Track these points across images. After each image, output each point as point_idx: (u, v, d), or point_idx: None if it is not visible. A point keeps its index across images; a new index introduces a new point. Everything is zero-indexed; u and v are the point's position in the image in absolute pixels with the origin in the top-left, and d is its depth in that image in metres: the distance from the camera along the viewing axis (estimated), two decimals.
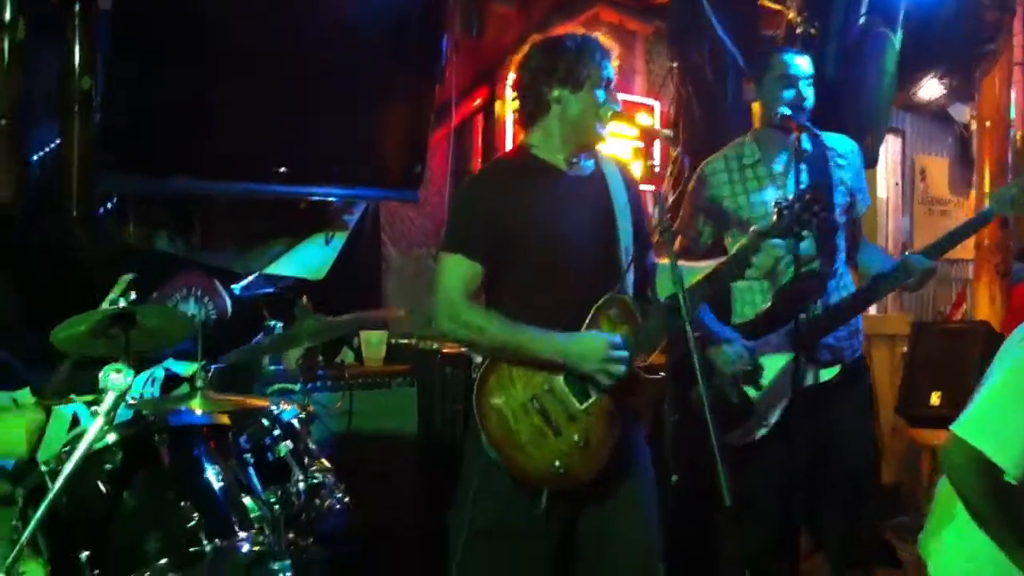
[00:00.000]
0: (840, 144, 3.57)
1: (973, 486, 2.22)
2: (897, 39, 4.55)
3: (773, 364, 3.42)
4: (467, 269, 2.73)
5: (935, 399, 4.83)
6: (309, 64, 3.97)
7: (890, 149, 7.97)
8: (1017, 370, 2.24)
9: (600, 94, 2.76)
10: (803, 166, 3.34)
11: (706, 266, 2.83)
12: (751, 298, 3.55)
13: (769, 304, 3.47)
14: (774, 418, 3.44)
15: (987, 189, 6.40)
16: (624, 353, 2.65)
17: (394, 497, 3.92)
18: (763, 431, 3.45)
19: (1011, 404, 2.21)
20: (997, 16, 5.98)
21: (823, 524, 3.59)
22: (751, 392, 3.43)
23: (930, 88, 6.57)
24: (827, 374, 3.44)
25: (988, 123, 6.48)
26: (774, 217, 2.79)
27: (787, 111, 3.37)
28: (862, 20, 4.50)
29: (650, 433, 2.99)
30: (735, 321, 3.56)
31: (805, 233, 2.90)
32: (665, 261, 2.90)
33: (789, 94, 3.42)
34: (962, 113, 8.31)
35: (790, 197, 2.80)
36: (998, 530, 2.21)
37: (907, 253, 3.44)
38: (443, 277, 2.74)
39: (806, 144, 3.42)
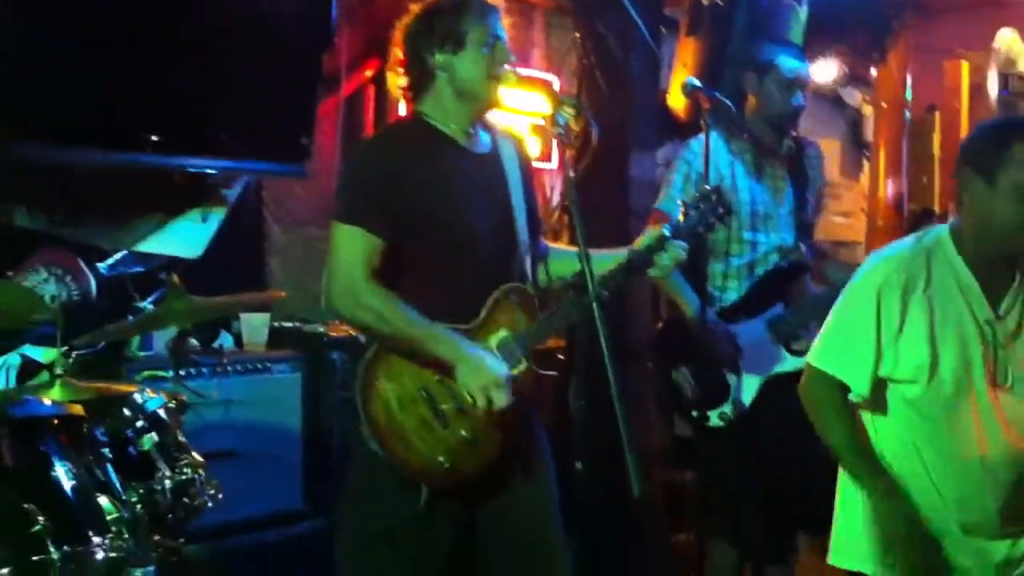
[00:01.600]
0: (810, 145, 3.85)
1: (827, 402, 2.52)
2: (803, 12, 4.48)
3: (750, 350, 3.49)
4: (368, 243, 2.52)
5: None
6: (186, 27, 3.70)
7: None
8: (849, 291, 2.50)
9: (487, 53, 2.60)
10: (787, 162, 3.68)
11: (605, 254, 2.70)
12: (731, 284, 3.62)
13: (748, 291, 3.58)
14: (748, 400, 3.53)
15: (882, 170, 6.47)
16: (505, 393, 2.50)
17: (277, 490, 3.76)
18: (737, 413, 3.53)
19: (844, 324, 2.49)
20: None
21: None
22: (730, 377, 3.53)
23: (825, 70, 6.57)
24: (801, 362, 3.50)
25: (884, 105, 6.55)
26: (680, 217, 2.70)
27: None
28: None
29: (555, 421, 2.88)
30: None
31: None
32: (559, 245, 2.93)
33: (797, 100, 3.63)
34: (854, 97, 8.42)
35: (696, 196, 2.75)
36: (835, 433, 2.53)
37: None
38: (340, 252, 2.52)
39: (789, 141, 3.71)
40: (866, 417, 2.57)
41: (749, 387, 3.54)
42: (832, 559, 2.62)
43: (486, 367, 2.50)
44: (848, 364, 2.47)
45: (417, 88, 2.68)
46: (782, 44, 3.90)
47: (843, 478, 2.64)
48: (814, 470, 3.61)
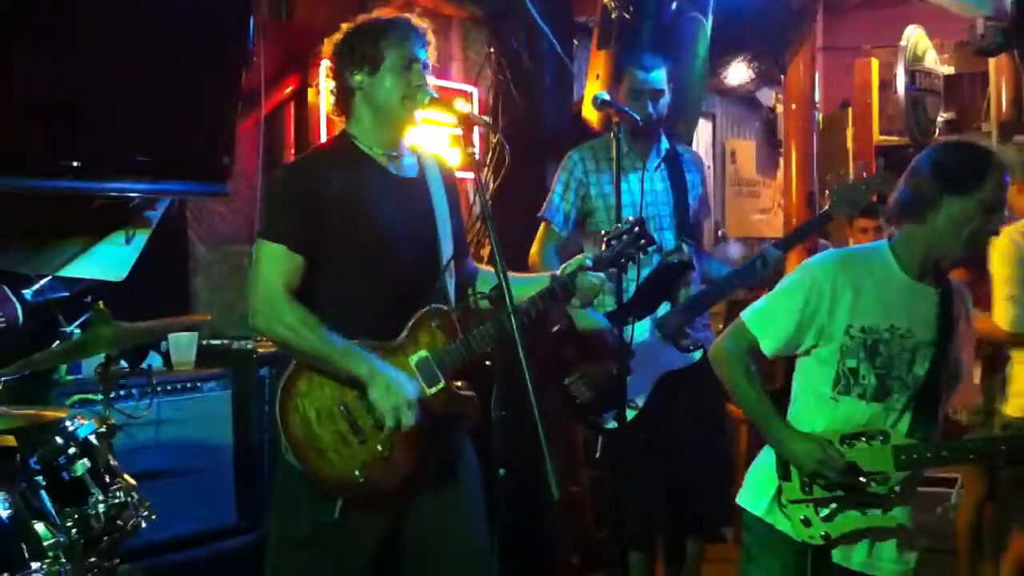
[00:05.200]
0: (687, 152, 4.02)
1: (738, 353, 2.76)
2: (708, 24, 4.62)
3: (640, 350, 3.54)
4: (289, 261, 2.59)
5: None
6: (102, 48, 3.68)
7: (701, 132, 8.17)
8: (795, 277, 2.75)
9: (402, 75, 2.67)
10: (664, 167, 3.83)
11: (528, 279, 2.83)
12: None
13: (635, 293, 3.63)
14: (641, 400, 3.63)
15: (794, 169, 6.66)
16: (414, 413, 2.58)
17: (210, 506, 3.78)
18: (632, 412, 3.59)
19: (782, 300, 2.73)
20: (803, 3, 6.21)
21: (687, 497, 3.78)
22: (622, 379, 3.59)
23: (738, 73, 6.74)
24: (691, 358, 3.70)
25: (794, 106, 6.73)
26: (602, 247, 2.82)
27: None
28: (674, 5, 4.55)
29: (479, 429, 2.96)
30: (603, 312, 3.69)
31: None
32: (483, 267, 3.00)
33: (649, 108, 3.75)
34: (768, 97, 8.63)
35: (617, 228, 2.86)
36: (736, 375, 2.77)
37: (764, 246, 3.81)
38: (262, 269, 2.60)
39: (665, 146, 3.87)
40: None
41: (642, 387, 3.64)
42: (738, 499, 2.86)
43: (397, 387, 2.56)
44: (767, 329, 2.72)
45: (340, 106, 2.77)
46: (636, 55, 3.99)
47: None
48: (708, 465, 3.77)
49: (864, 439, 2.66)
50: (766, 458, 2.80)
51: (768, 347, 2.73)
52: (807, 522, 2.66)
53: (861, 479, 2.65)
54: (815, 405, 2.73)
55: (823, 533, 2.65)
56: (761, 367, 2.79)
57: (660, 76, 3.80)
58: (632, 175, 3.77)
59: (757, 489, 2.80)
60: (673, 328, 3.68)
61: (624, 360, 3.48)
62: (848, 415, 2.68)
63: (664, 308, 3.71)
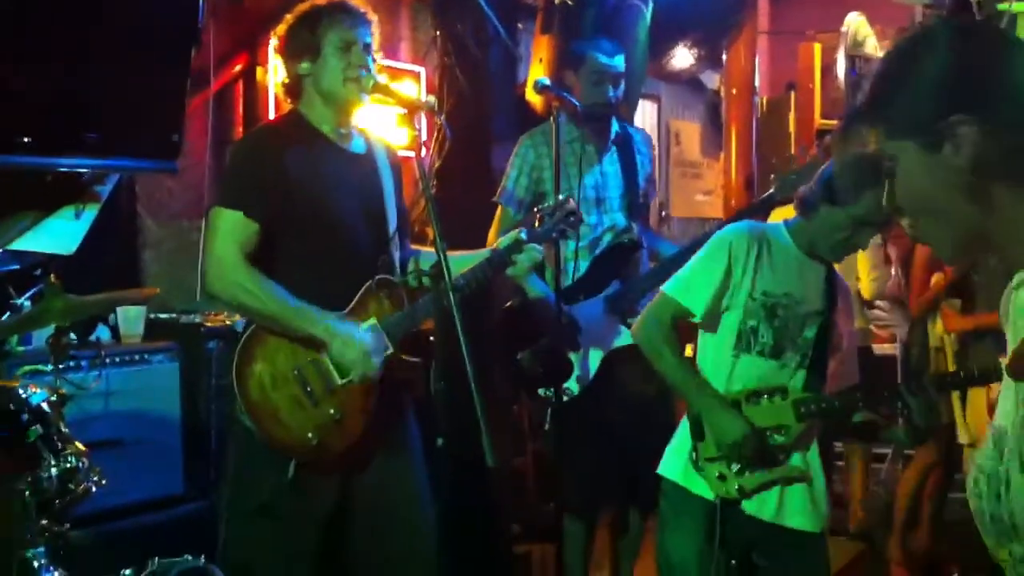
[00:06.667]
0: (638, 134, 4.10)
1: (659, 324, 2.97)
2: (648, 11, 4.74)
3: (591, 326, 3.68)
4: (244, 227, 2.69)
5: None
6: (53, 27, 3.71)
7: (647, 114, 8.31)
8: (712, 244, 2.97)
9: (343, 58, 2.77)
10: (615, 150, 3.92)
11: (468, 255, 2.94)
12: (570, 265, 3.81)
13: (586, 271, 3.78)
14: (590, 375, 3.74)
15: (734, 152, 6.81)
16: (377, 361, 2.70)
17: (159, 475, 3.83)
18: (579, 387, 3.72)
19: (704, 266, 2.94)
20: None
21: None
22: (572, 354, 3.72)
23: (682, 57, 6.87)
24: None
25: (735, 90, 6.89)
26: (536, 223, 2.95)
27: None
28: None
29: (421, 399, 3.07)
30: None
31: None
32: (423, 248, 3.09)
33: (608, 92, 3.84)
34: (712, 80, 8.77)
35: (549, 205, 3.01)
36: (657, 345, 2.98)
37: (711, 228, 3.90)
38: (217, 234, 2.70)
39: (616, 128, 3.94)
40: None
41: (591, 362, 3.75)
42: (659, 468, 3.06)
43: (356, 340, 2.69)
44: (695, 294, 2.95)
45: (290, 94, 2.88)
46: (594, 40, 4.08)
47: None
48: (653, 439, 3.90)
49: (766, 396, 2.89)
50: (682, 426, 2.99)
51: (698, 309, 2.94)
52: (722, 477, 2.87)
53: (768, 442, 2.89)
54: (717, 365, 2.96)
55: (737, 487, 2.86)
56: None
57: (620, 61, 3.91)
58: (584, 158, 3.87)
59: (674, 453, 3.01)
60: (623, 306, 3.78)
61: (573, 336, 3.63)
62: (747, 371, 2.92)
63: (614, 287, 3.82)
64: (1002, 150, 1.26)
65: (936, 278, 4.69)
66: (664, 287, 3.01)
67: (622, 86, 3.91)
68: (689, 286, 2.96)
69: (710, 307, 2.94)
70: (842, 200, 2.81)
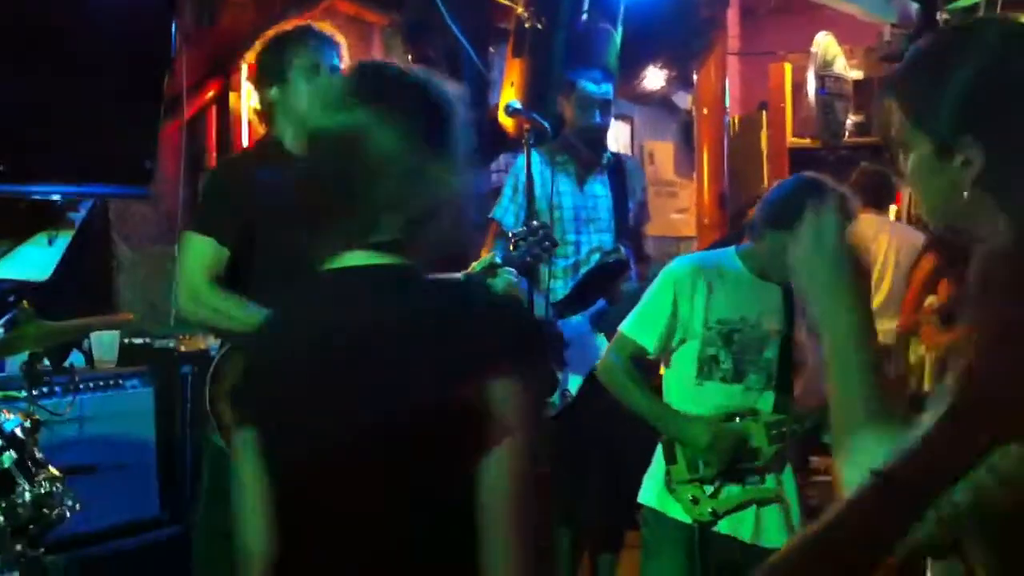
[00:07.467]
0: (630, 161, 4.37)
1: (622, 362, 3.07)
2: (618, 35, 4.80)
3: (576, 343, 3.75)
4: (213, 252, 2.73)
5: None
6: (26, 53, 3.74)
7: (621, 136, 8.35)
8: (658, 282, 3.07)
9: (310, 83, 2.79)
10: (607, 174, 4.08)
11: (441, 279, 2.95)
12: (558, 284, 3.90)
13: (573, 289, 3.87)
14: (574, 390, 3.78)
15: (706, 171, 6.88)
16: None
17: (134, 500, 3.84)
18: (559, 403, 3.74)
19: (651, 304, 3.04)
20: (711, 12, 6.42)
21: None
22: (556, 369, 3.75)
23: (654, 78, 6.93)
24: None
25: (705, 110, 6.95)
26: (511, 248, 3.04)
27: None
28: (584, 16, 4.71)
29: None
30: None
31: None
32: None
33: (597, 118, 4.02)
34: (685, 100, 8.84)
35: (524, 230, 3.11)
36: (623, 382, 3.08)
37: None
38: (188, 258, 2.75)
39: (608, 154, 4.11)
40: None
41: (575, 379, 3.79)
42: (639, 497, 3.12)
43: None
44: (646, 331, 3.04)
45: (264, 119, 2.92)
46: (585, 68, 4.23)
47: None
48: (638, 455, 3.94)
49: (738, 419, 2.94)
50: (657, 452, 3.05)
51: (650, 345, 3.01)
52: (695, 500, 2.90)
53: (746, 447, 2.94)
54: (683, 394, 3.02)
55: (711, 509, 2.91)
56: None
57: (608, 88, 4.09)
58: (576, 181, 4.02)
59: (650, 479, 3.06)
60: (610, 324, 3.76)
61: (559, 351, 3.68)
62: (712, 397, 2.97)
63: (600, 304, 3.89)
64: (1010, 176, 1.30)
65: (930, 300, 4.73)
66: (621, 326, 3.11)
67: (611, 112, 4.10)
68: (641, 323, 3.06)
69: (662, 343, 3.02)
70: (786, 224, 2.86)
